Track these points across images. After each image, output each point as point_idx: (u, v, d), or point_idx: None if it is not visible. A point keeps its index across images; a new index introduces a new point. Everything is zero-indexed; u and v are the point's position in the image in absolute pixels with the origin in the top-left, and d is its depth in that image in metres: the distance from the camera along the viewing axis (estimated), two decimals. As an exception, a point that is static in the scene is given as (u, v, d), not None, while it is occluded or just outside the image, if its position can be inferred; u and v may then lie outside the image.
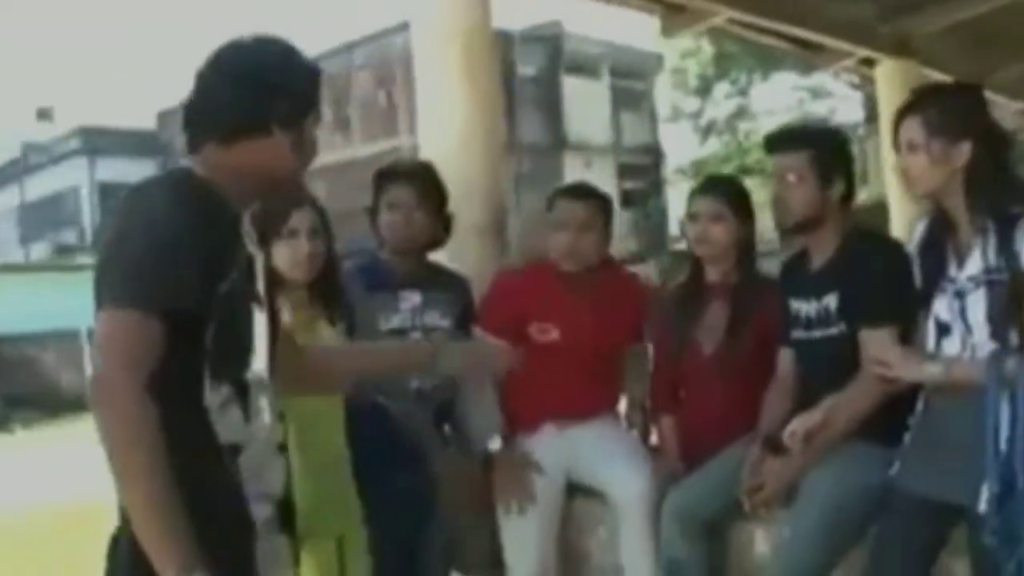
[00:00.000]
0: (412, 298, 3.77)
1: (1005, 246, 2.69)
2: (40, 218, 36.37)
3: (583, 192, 3.85)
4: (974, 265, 2.74)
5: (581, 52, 30.77)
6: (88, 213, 33.92)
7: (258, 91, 2.12)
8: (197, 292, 1.94)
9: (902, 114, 2.85)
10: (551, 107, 30.50)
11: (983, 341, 2.71)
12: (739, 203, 3.63)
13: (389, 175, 3.85)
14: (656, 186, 32.27)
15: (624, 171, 31.18)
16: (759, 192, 13.37)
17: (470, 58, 4.22)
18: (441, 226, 3.82)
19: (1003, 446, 2.54)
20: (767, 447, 3.22)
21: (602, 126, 31.65)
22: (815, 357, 3.28)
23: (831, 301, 3.20)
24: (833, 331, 3.20)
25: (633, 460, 3.63)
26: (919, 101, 2.86)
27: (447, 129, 4.23)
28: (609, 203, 3.86)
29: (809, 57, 7.60)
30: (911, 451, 2.88)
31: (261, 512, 2.15)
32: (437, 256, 3.96)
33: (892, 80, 7.27)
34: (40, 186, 36.96)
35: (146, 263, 1.92)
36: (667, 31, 6.56)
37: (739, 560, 3.40)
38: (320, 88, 2.25)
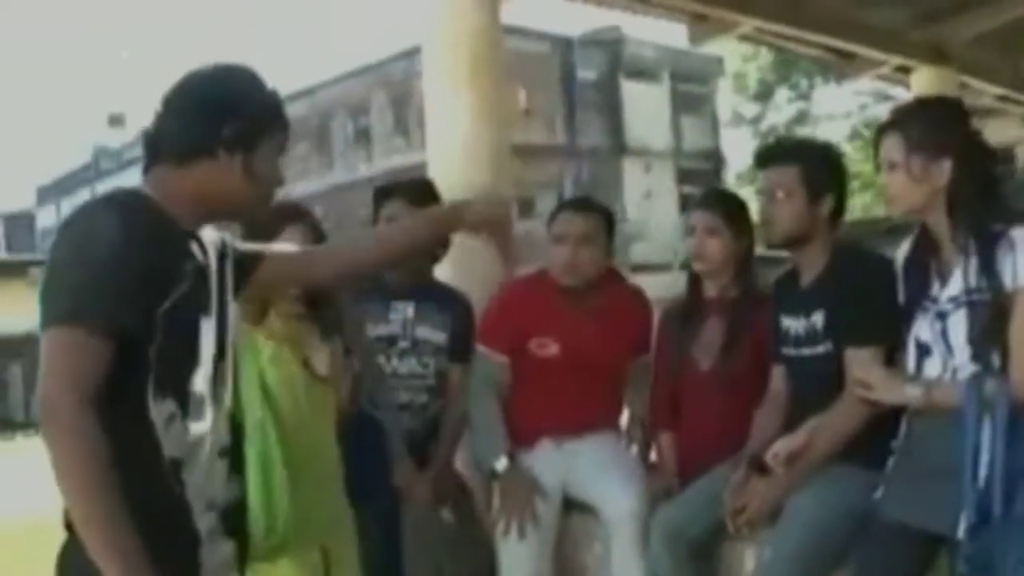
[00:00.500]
0: (405, 309, 3.79)
1: (986, 266, 2.64)
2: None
3: (583, 206, 3.83)
4: (955, 285, 2.70)
5: (641, 56, 30.72)
6: (155, 217, 34.53)
7: (206, 115, 2.18)
8: (139, 310, 1.99)
9: (882, 131, 2.82)
10: (611, 112, 30.49)
11: (964, 363, 2.67)
12: (736, 217, 3.60)
13: (387, 191, 3.87)
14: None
15: (684, 176, 31.07)
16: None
17: (475, 67, 4.25)
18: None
19: (984, 470, 2.50)
20: (752, 467, 3.20)
21: (662, 131, 31.56)
22: (804, 375, 3.26)
23: (818, 319, 3.18)
24: (820, 349, 3.18)
25: (626, 477, 3.61)
26: (899, 118, 2.82)
27: (453, 138, 4.27)
28: (611, 217, 3.83)
29: (841, 66, 7.48)
30: (893, 476, 2.84)
31: (206, 522, 2.18)
32: (447, 262, 3.98)
33: (928, 88, 7.09)
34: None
35: (88, 282, 1.96)
36: (695, 40, 6.52)
37: (727, 580, 3.36)
38: (281, 116, 2.30)
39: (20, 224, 47.89)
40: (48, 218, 44.56)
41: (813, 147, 3.53)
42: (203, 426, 2.18)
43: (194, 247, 2.21)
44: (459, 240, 3.90)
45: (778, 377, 3.36)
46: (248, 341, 3.10)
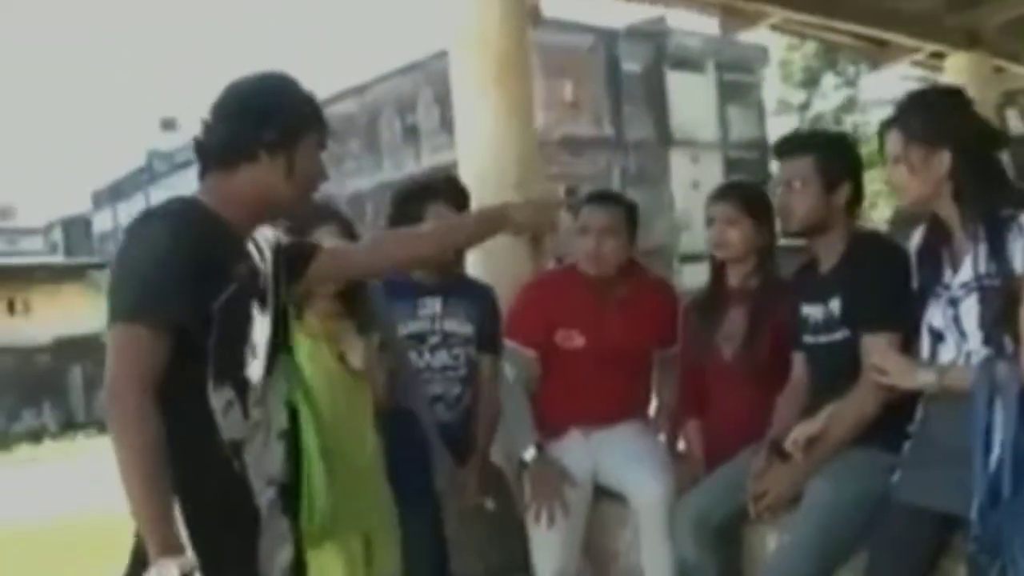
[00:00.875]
0: (432, 305, 3.87)
1: (996, 251, 2.67)
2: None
3: (607, 198, 3.94)
4: (966, 272, 2.73)
5: (686, 47, 30.63)
6: (208, 219, 34.93)
7: (247, 121, 2.36)
8: (193, 307, 2.20)
9: (885, 126, 2.87)
10: (657, 103, 30.43)
11: (977, 348, 2.69)
12: (756, 207, 3.64)
13: (422, 191, 3.95)
14: (764, 180, 31.93)
15: (732, 166, 30.95)
16: (875, 183, 12.97)
17: (502, 67, 4.28)
18: None
19: (995, 452, 2.53)
20: (773, 453, 3.25)
21: (709, 121, 31.47)
22: (822, 362, 3.29)
23: (835, 306, 3.21)
24: (837, 336, 3.21)
25: (654, 466, 3.67)
26: (898, 112, 2.86)
27: (482, 138, 4.32)
28: (634, 209, 3.91)
29: (875, 54, 7.45)
30: (909, 459, 2.88)
31: (266, 497, 2.39)
32: (477, 259, 4.09)
33: (962, 74, 7.04)
34: (164, 194, 37.56)
35: (146, 282, 2.18)
36: (726, 31, 6.56)
37: (752, 563, 3.42)
38: (317, 117, 2.47)
39: (77, 228, 48.64)
40: (104, 222, 45.24)
41: (828, 137, 3.58)
42: (259, 411, 2.39)
43: (249, 248, 2.42)
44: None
45: (799, 364, 3.40)
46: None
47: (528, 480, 3.73)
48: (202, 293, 2.22)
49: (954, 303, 2.75)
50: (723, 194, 3.77)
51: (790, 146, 3.40)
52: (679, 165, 30.60)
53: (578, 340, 3.80)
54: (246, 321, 2.36)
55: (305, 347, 3.24)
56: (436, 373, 3.88)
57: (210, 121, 2.39)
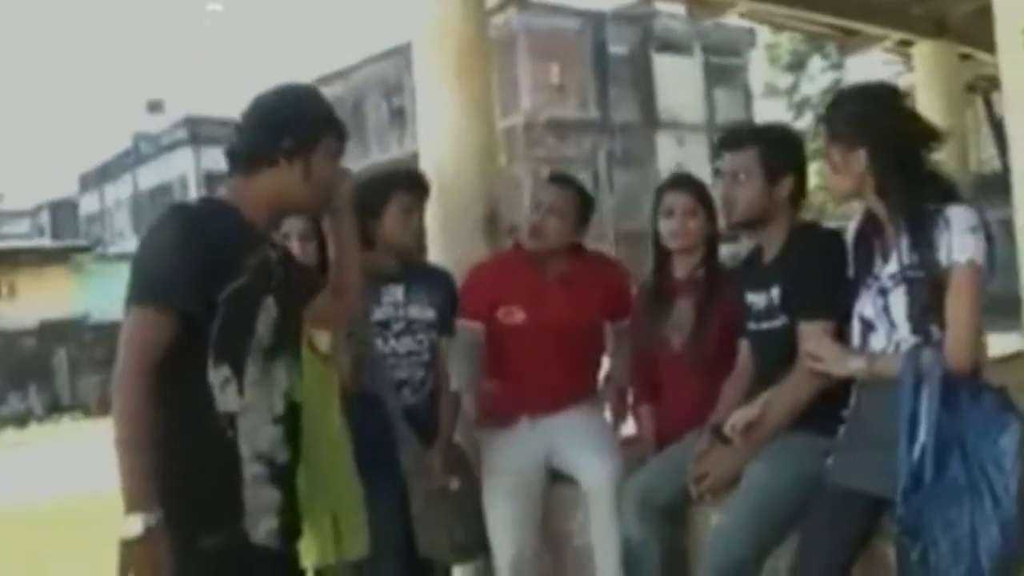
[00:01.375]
0: (395, 292, 3.95)
1: (919, 243, 2.75)
2: (152, 207, 37.44)
3: (561, 179, 4.04)
4: (894, 263, 2.81)
5: (672, 30, 30.64)
6: (195, 201, 34.88)
7: (268, 130, 2.63)
8: (198, 295, 2.46)
9: (817, 123, 2.94)
10: (643, 86, 30.44)
11: (906, 337, 2.78)
12: (707, 198, 3.72)
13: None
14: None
15: (718, 149, 30.93)
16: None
17: (461, 60, 4.41)
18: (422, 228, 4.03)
19: (921, 437, 2.62)
20: (714, 436, 3.33)
21: (695, 104, 31.49)
22: (764, 348, 3.38)
23: (776, 294, 3.29)
24: (776, 323, 3.29)
25: (601, 449, 3.76)
26: (825, 110, 2.95)
27: (443, 130, 4.44)
28: (587, 198, 3.99)
29: (844, 40, 7.50)
30: (843, 444, 2.97)
31: (252, 468, 2.59)
32: (439, 246, 4.24)
33: (928, 61, 7.17)
34: (151, 176, 38.11)
35: (155, 271, 2.48)
36: (693, 17, 6.61)
37: (696, 542, 3.50)
38: (333, 126, 2.73)
39: (64, 211, 48.45)
40: (91, 204, 45.07)
41: (772, 131, 3.63)
42: (258, 397, 2.61)
43: (266, 247, 2.65)
44: (443, 224, 4.15)
45: (744, 351, 3.49)
46: None
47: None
48: (209, 283, 2.47)
49: (884, 293, 2.83)
50: (681, 185, 3.83)
51: (735, 139, 3.46)
52: (665, 147, 30.63)
53: (518, 315, 3.89)
54: (251, 313, 2.58)
55: None
56: (401, 358, 3.95)
57: (239, 129, 2.65)
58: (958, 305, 2.70)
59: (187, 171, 35.90)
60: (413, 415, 3.90)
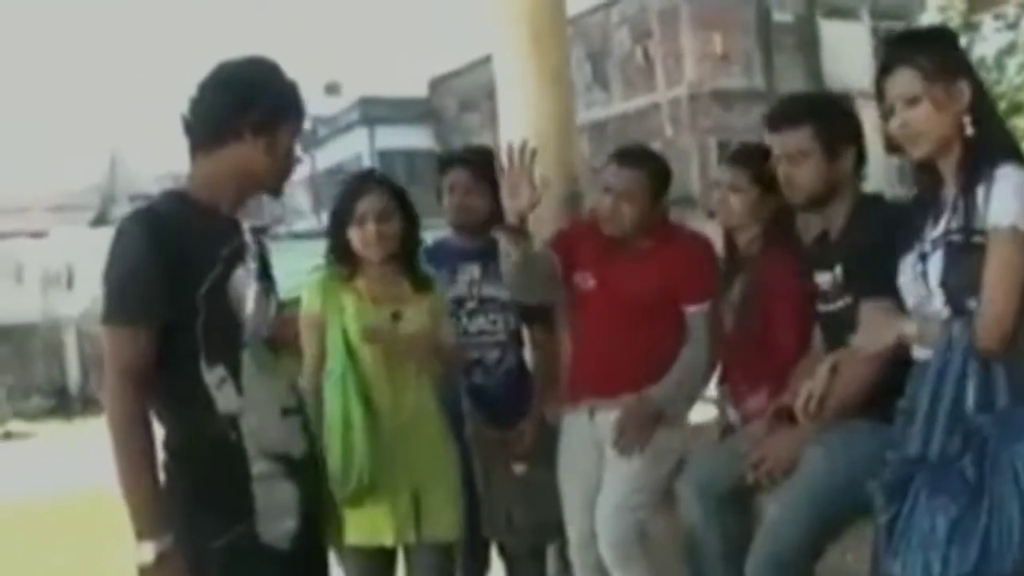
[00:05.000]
0: (471, 270, 4.04)
1: (967, 204, 2.57)
2: (329, 186, 38.44)
3: (630, 159, 3.89)
4: (941, 225, 2.64)
5: (839, -6, 29.89)
6: (371, 180, 35.66)
7: (233, 101, 2.54)
8: (172, 299, 2.42)
9: (887, 72, 2.70)
10: (809, 53, 29.74)
11: (939, 308, 2.61)
12: (763, 174, 3.51)
13: (448, 160, 4.19)
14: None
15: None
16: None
17: (537, 35, 4.42)
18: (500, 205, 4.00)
19: (964, 413, 2.46)
20: (775, 420, 3.27)
21: (863, 71, 30.50)
22: (832, 329, 3.23)
23: (839, 273, 3.18)
24: (841, 303, 3.18)
25: (624, 495, 3.73)
26: (902, 53, 2.70)
27: (520, 105, 4.45)
28: (657, 169, 3.87)
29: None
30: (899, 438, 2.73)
31: (260, 466, 2.58)
32: None
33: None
34: (328, 156, 39.03)
35: (122, 286, 2.44)
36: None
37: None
38: (298, 103, 2.64)
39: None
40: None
41: (825, 103, 3.48)
42: (261, 391, 2.59)
43: (232, 232, 2.59)
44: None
45: (817, 335, 3.37)
46: (334, 303, 3.48)
47: None
48: (182, 286, 2.43)
49: (923, 258, 2.66)
50: (730, 159, 3.78)
51: (786, 117, 3.30)
52: (834, 116, 29.92)
53: (591, 282, 3.86)
54: (236, 302, 2.53)
55: (351, 307, 3.46)
56: (472, 337, 4.02)
57: (199, 99, 2.55)
58: (994, 275, 2.48)
59: (362, 150, 36.71)
60: (482, 395, 3.99)
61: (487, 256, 4.03)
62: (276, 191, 2.72)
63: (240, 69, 2.59)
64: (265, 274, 2.70)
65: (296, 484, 2.64)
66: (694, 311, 3.82)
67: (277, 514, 2.59)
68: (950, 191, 2.65)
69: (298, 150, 2.71)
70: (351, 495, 3.36)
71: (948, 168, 2.67)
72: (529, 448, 3.98)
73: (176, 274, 2.41)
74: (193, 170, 2.60)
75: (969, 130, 2.62)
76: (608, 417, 3.79)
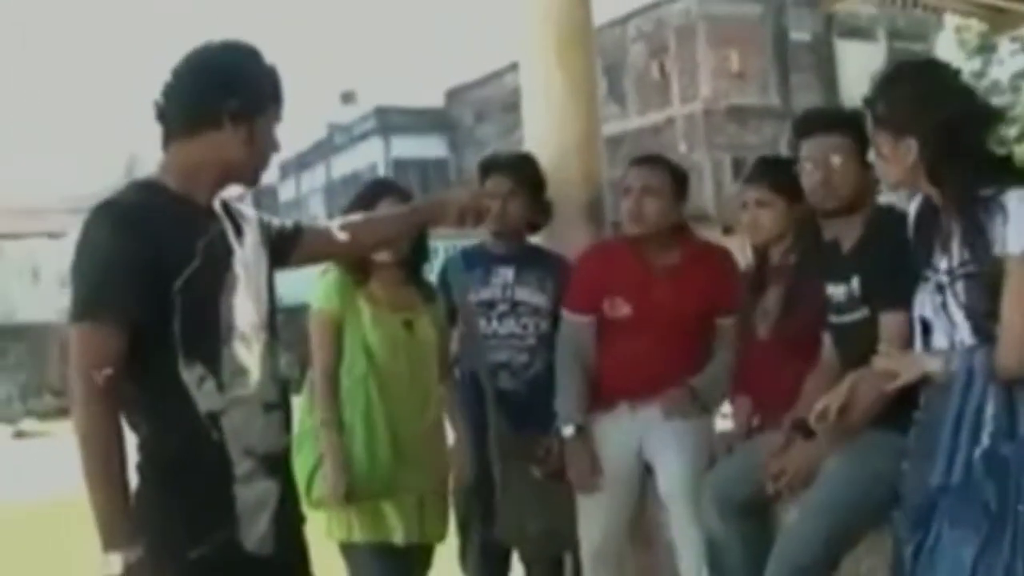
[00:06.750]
0: (505, 274, 4.05)
1: (973, 236, 2.56)
2: (344, 193, 38.51)
3: (650, 159, 3.94)
4: (950, 257, 2.64)
5: (856, 15, 29.83)
6: (385, 188, 35.74)
7: (212, 88, 2.40)
8: (144, 295, 2.27)
9: (864, 107, 2.79)
10: (826, 72, 29.83)
11: (967, 337, 2.59)
12: (788, 187, 3.50)
13: (488, 166, 4.22)
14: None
15: (903, 135, 30.01)
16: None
17: (563, 44, 4.43)
18: (538, 211, 4.12)
19: (963, 447, 2.50)
20: (794, 431, 3.25)
21: (879, 90, 30.64)
22: (847, 342, 3.21)
23: (855, 285, 3.15)
24: (858, 315, 3.15)
25: (683, 447, 3.69)
26: (870, 94, 2.76)
27: (545, 117, 4.47)
28: (681, 174, 3.90)
29: (992, 18, 7.25)
30: (913, 449, 2.77)
31: (243, 465, 2.44)
32: (537, 239, 4.26)
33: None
34: (343, 165, 39.17)
35: (90, 283, 2.28)
36: (823, 7, 6.58)
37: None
38: (278, 91, 2.51)
39: (267, 198, 50.24)
40: (288, 192, 46.62)
41: (854, 114, 3.36)
42: (244, 387, 2.44)
43: (210, 222, 2.44)
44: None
45: (827, 345, 3.34)
46: (351, 305, 3.54)
47: (567, 458, 3.84)
48: (155, 281, 2.28)
49: (941, 289, 2.65)
50: (751, 175, 3.74)
51: (824, 123, 3.32)
52: (849, 135, 29.93)
53: (624, 309, 3.83)
54: (212, 299, 2.39)
55: (368, 312, 3.52)
56: (502, 340, 4.02)
57: (173, 84, 2.40)
58: (1013, 300, 2.47)
59: (377, 159, 36.84)
60: (510, 399, 3.96)
61: (522, 261, 4.09)
62: (253, 181, 2.60)
63: (219, 54, 2.45)
64: (268, 236, 2.63)
65: (276, 483, 2.54)
66: (725, 322, 3.89)
67: (256, 513, 2.47)
68: (946, 222, 2.67)
69: (278, 139, 2.58)
70: (371, 494, 3.47)
71: (937, 201, 2.70)
72: (556, 466, 3.93)
73: (148, 268, 2.27)
74: (166, 158, 2.44)
75: (926, 182, 2.67)
76: (651, 408, 3.80)
